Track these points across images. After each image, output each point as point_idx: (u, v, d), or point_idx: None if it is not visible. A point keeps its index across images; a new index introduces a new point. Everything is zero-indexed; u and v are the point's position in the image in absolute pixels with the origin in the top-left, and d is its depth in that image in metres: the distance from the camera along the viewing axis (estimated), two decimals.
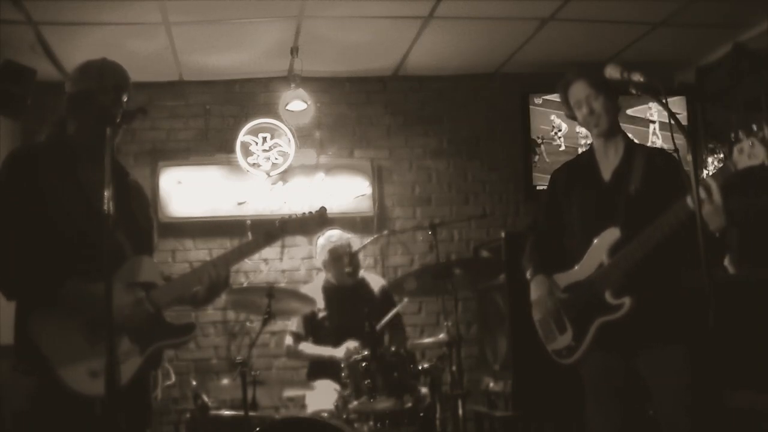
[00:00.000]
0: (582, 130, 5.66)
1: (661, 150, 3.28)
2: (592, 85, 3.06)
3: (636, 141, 3.24)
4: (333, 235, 4.72)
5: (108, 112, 2.46)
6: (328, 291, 4.74)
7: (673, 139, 2.60)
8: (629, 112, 5.76)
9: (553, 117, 5.88)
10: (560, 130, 5.88)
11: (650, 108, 5.85)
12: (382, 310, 4.49)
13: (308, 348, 4.61)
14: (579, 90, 3.10)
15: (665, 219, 2.78)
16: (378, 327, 4.12)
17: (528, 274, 3.24)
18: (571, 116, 3.20)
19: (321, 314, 4.64)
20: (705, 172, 5.46)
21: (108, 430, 2.24)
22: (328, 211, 3.01)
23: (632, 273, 2.90)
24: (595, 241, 3.02)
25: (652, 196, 2.94)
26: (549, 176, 3.41)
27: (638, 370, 2.98)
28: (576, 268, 3.09)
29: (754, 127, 2.55)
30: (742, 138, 2.57)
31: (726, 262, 4.55)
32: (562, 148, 5.88)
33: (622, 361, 3.00)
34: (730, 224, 2.65)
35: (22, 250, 2.46)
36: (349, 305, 4.60)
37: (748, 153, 2.55)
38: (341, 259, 4.65)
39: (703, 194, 2.60)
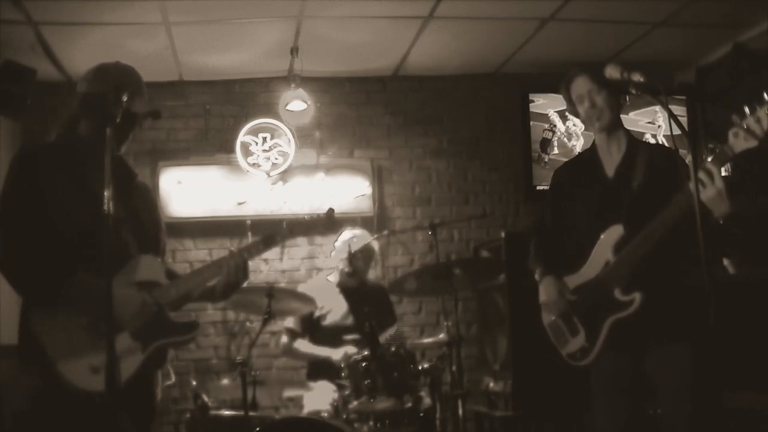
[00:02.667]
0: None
1: (662, 146, 3.28)
2: (594, 80, 3.06)
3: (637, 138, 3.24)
4: (356, 234, 4.71)
5: (108, 112, 2.47)
6: (346, 289, 4.71)
7: (673, 139, 2.60)
8: (633, 115, 5.74)
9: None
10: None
11: (657, 112, 5.82)
12: (380, 312, 4.49)
13: (304, 346, 4.61)
14: (581, 85, 3.10)
15: (668, 212, 2.78)
16: (381, 338, 4.10)
17: (537, 275, 3.22)
18: (573, 112, 3.20)
19: (318, 313, 4.62)
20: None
21: (108, 428, 2.24)
22: (335, 214, 3.02)
23: (639, 268, 2.90)
24: (600, 238, 3.02)
25: (655, 192, 2.94)
26: (549, 174, 3.42)
27: (645, 369, 2.98)
28: (582, 269, 3.09)
29: (747, 111, 2.55)
30: (736, 122, 2.57)
31: (726, 261, 4.55)
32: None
33: (631, 360, 2.99)
34: (734, 211, 2.64)
35: (31, 247, 2.47)
36: (364, 303, 4.58)
37: (744, 136, 2.55)
38: (368, 258, 4.67)
39: (705, 179, 2.60)
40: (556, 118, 5.90)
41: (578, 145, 5.86)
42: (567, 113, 3.28)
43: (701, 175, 2.60)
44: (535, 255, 3.28)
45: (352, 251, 4.62)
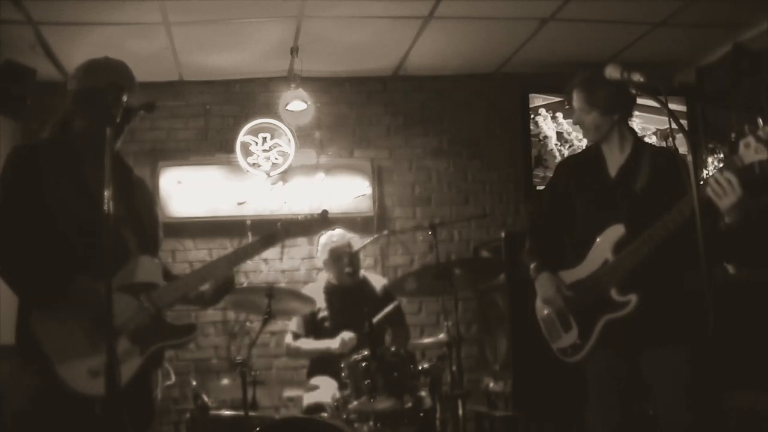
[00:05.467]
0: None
1: (666, 150, 3.28)
2: (586, 100, 3.08)
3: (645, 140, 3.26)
4: (334, 235, 4.72)
5: (107, 112, 2.46)
6: (329, 291, 4.74)
7: (673, 139, 2.60)
8: None
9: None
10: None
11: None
12: (383, 310, 4.49)
13: (306, 344, 4.62)
14: (575, 100, 3.14)
15: (671, 216, 2.79)
16: (375, 320, 4.09)
17: (532, 270, 3.22)
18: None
19: (321, 314, 4.64)
20: (705, 172, 5.46)
21: (109, 430, 2.24)
22: (329, 213, 3.04)
23: (638, 270, 2.90)
24: (599, 238, 3.02)
25: (657, 195, 2.94)
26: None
27: (640, 369, 2.98)
28: (580, 265, 3.09)
29: (760, 122, 2.55)
30: (748, 133, 2.58)
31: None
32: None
33: (626, 359, 3.00)
34: (748, 218, 2.65)
35: (30, 247, 2.46)
36: (350, 305, 4.60)
37: (755, 148, 2.56)
38: (341, 258, 4.65)
39: (726, 186, 2.60)
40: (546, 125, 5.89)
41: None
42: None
43: (722, 181, 2.61)
44: (530, 249, 3.29)
45: (353, 251, 4.64)
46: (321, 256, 4.80)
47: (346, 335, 4.32)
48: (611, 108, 3.05)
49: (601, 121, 3.07)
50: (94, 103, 2.61)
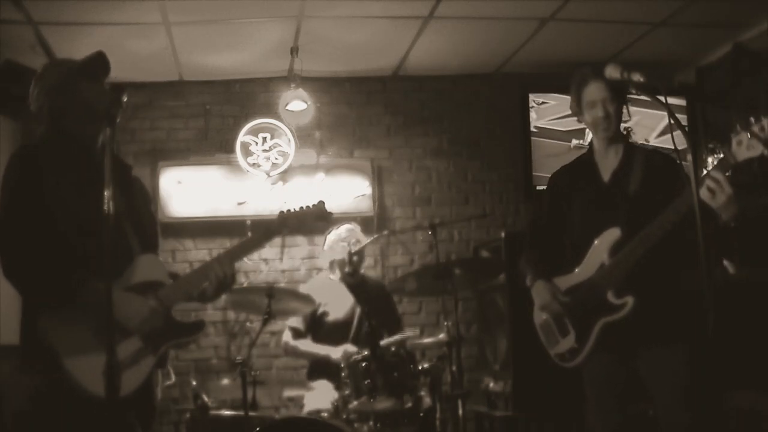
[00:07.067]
0: None
1: (659, 151, 3.29)
2: (609, 89, 3.04)
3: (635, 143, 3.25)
4: (342, 229, 4.73)
5: (105, 113, 2.46)
6: (331, 287, 4.72)
7: (673, 138, 2.60)
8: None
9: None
10: None
11: None
12: (382, 310, 4.49)
13: (305, 345, 4.61)
14: (596, 91, 3.06)
15: (666, 216, 2.79)
16: (383, 342, 4.06)
17: (528, 280, 3.24)
18: (577, 114, 3.18)
19: (322, 309, 4.61)
20: (705, 171, 5.46)
21: (112, 429, 2.23)
22: (326, 206, 3.04)
23: (634, 272, 2.91)
24: (596, 241, 3.02)
25: (651, 197, 2.95)
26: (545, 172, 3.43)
27: (638, 371, 2.98)
28: (577, 270, 3.09)
29: (752, 120, 2.57)
30: (740, 131, 2.60)
31: (726, 262, 4.55)
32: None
33: (624, 362, 3.00)
34: (742, 215, 2.67)
35: (39, 249, 2.44)
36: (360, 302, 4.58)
37: (747, 145, 2.58)
38: (347, 252, 4.65)
39: (714, 186, 2.62)
40: None
41: None
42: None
43: (709, 183, 2.63)
44: (527, 258, 3.29)
45: (351, 251, 4.63)
46: (327, 250, 4.79)
47: (350, 348, 4.27)
48: (624, 100, 3.07)
49: (620, 112, 3.08)
50: (72, 93, 2.60)
